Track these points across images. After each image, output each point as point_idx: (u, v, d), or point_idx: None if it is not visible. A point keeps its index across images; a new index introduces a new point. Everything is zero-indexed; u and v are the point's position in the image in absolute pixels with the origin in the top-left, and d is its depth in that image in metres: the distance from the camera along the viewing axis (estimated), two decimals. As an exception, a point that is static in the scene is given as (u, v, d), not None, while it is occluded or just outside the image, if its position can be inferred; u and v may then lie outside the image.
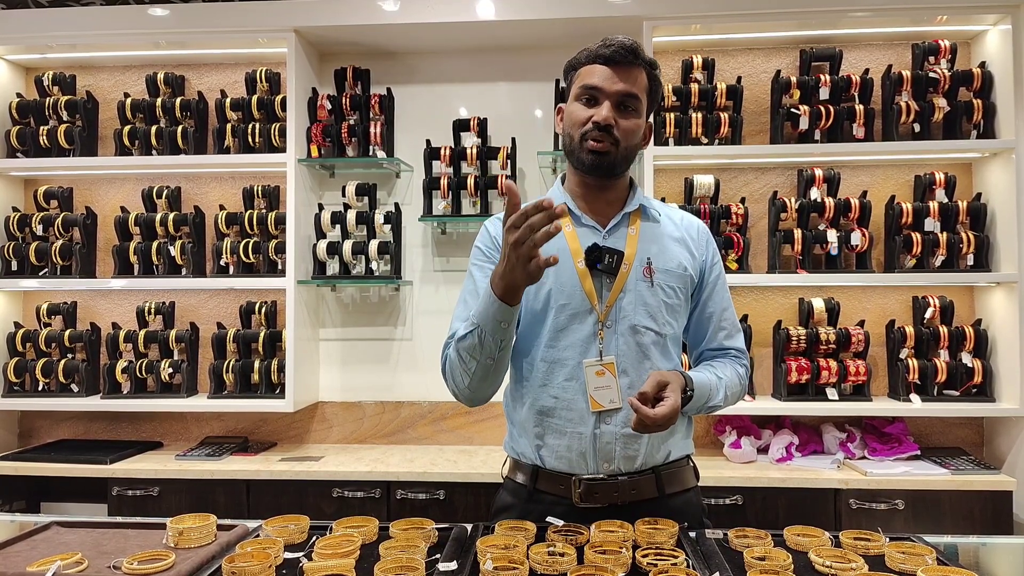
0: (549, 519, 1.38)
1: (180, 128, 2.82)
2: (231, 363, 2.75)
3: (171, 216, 2.83)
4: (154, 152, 2.84)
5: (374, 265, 2.76)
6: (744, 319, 2.77)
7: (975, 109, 2.68)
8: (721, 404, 1.48)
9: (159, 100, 2.86)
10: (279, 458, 2.66)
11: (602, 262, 1.42)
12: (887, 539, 1.25)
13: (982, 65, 2.72)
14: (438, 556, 1.23)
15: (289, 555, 1.24)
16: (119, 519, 1.48)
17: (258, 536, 1.33)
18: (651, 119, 1.52)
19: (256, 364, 2.75)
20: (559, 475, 1.43)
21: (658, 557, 1.20)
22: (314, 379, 2.93)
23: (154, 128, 2.84)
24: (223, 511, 2.50)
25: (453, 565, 1.17)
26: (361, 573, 1.14)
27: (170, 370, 2.79)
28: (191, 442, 2.90)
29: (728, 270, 2.72)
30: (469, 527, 1.40)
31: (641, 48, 1.41)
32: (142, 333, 2.83)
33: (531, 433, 1.46)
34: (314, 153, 2.78)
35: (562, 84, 1.54)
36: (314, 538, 1.27)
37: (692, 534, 1.35)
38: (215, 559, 1.23)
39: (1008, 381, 2.58)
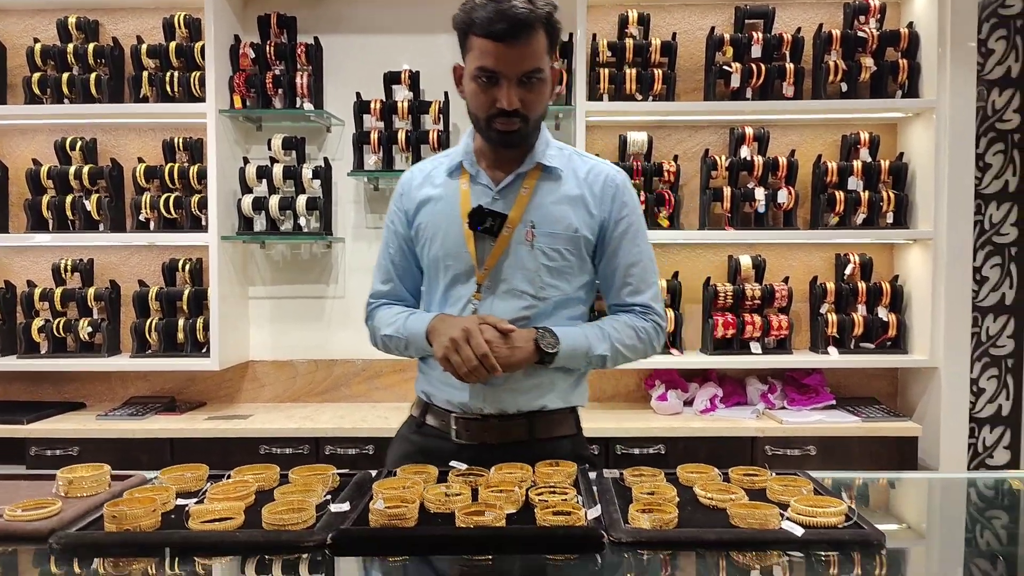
0: (452, 463, 1.39)
1: (94, 76, 2.69)
2: (154, 322, 2.69)
3: (86, 169, 2.72)
4: (66, 101, 2.71)
5: (302, 221, 2.71)
6: (675, 276, 2.81)
7: (901, 69, 2.73)
8: (608, 354, 1.46)
9: (71, 46, 2.72)
10: (206, 417, 2.63)
11: (483, 225, 1.43)
12: (772, 474, 1.29)
13: (910, 25, 2.76)
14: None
15: (181, 502, 1.22)
16: (10, 472, 1.44)
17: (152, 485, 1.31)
18: (559, 63, 1.50)
19: (180, 323, 2.69)
20: (442, 411, 1.52)
21: (551, 495, 1.22)
22: (244, 338, 2.88)
23: (66, 76, 2.70)
24: (145, 470, 2.47)
25: (345, 506, 1.17)
26: (250, 515, 1.13)
27: (89, 329, 2.70)
28: (115, 403, 2.84)
29: (659, 227, 2.74)
30: (374, 472, 1.40)
31: (535, 8, 1.31)
32: (59, 291, 2.73)
33: (423, 375, 1.57)
34: (237, 104, 2.69)
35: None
36: (208, 484, 1.26)
37: (592, 475, 1.38)
38: (103, 507, 1.21)
39: (920, 334, 2.69)
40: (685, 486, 1.29)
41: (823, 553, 1.05)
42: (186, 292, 2.71)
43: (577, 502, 1.17)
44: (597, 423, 2.58)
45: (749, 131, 2.79)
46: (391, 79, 2.78)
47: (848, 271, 2.79)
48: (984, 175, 2.89)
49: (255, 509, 1.17)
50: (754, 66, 2.74)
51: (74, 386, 2.90)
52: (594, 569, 1.04)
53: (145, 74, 2.70)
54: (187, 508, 1.12)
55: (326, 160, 2.79)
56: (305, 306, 2.93)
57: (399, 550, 1.06)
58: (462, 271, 1.46)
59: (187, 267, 2.75)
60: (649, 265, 1.54)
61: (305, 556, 1.04)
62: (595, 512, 1.14)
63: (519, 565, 1.05)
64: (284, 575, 1.02)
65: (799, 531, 1.06)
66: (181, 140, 2.75)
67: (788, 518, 1.11)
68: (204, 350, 2.69)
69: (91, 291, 2.73)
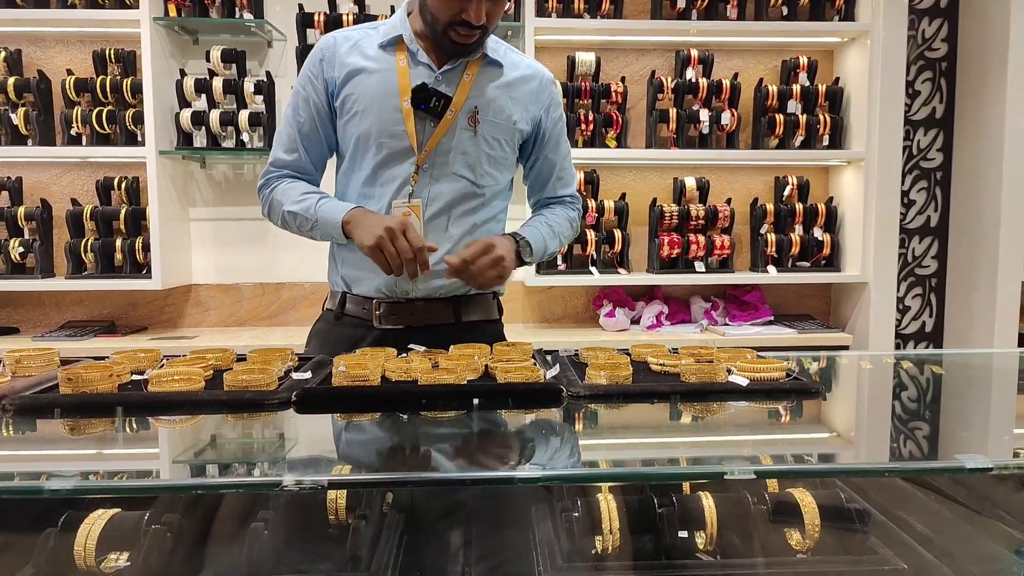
0: (411, 346, 1.41)
1: (13, -20, 2.52)
2: (90, 242, 2.58)
3: (11, 81, 2.56)
4: (-16, 7, 2.53)
5: (245, 137, 2.63)
6: (622, 197, 2.86)
7: (839, -7, 2.80)
8: (557, 249, 1.59)
9: (-15, -54, 2.53)
10: (149, 338, 2.57)
11: (427, 104, 1.39)
12: (717, 348, 1.36)
13: (847, -49, 2.82)
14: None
15: (137, 378, 1.21)
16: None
17: (105, 365, 1.28)
18: None
19: (118, 243, 2.60)
20: (363, 298, 1.49)
21: (509, 363, 1.26)
22: (185, 260, 2.81)
23: (-18, -20, 2.52)
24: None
25: (307, 374, 1.18)
26: (210, 385, 1.13)
27: (21, 249, 2.58)
28: (51, 328, 2.74)
29: (607, 147, 2.78)
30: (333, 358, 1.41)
31: None
32: (-15, 210, 2.60)
33: (340, 261, 1.51)
34: (172, 12, 2.57)
35: None
36: (164, 361, 1.25)
37: (548, 356, 1.42)
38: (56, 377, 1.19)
39: (852, 252, 2.83)
40: (638, 361, 1.35)
41: (766, 402, 1.12)
42: (123, 211, 2.61)
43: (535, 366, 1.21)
44: (546, 339, 2.64)
45: (694, 53, 2.83)
46: (335, -8, 2.69)
47: (786, 193, 2.90)
48: (913, 102, 3.02)
49: (214, 382, 1.17)
50: (700, -13, 2.76)
51: (5, 311, 2.78)
52: (554, 422, 1.08)
53: (70, -22, 2.54)
54: (145, 376, 1.11)
55: (268, 74, 2.70)
56: (250, 228, 2.87)
57: (364, 407, 1.08)
58: (398, 150, 1.42)
59: (123, 185, 2.64)
60: (571, 159, 1.65)
61: (269, 415, 1.05)
62: (553, 372, 1.18)
63: (482, 420, 1.09)
64: (248, 434, 1.03)
65: (744, 382, 1.13)
66: (112, 51, 2.61)
67: (734, 373, 1.18)
68: (144, 271, 2.61)
69: (21, 210, 2.60)
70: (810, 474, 0.89)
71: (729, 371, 1.19)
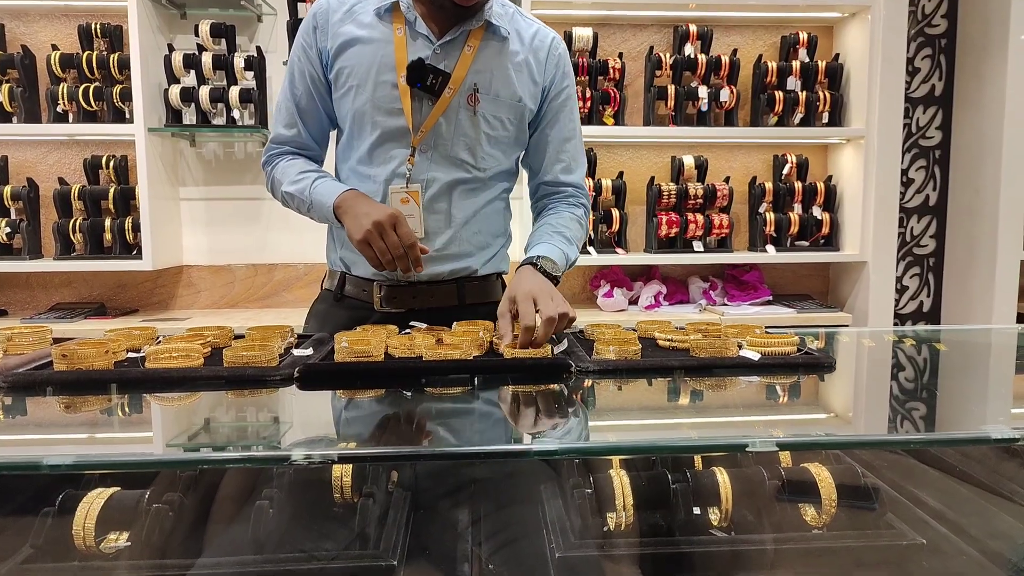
0: (412, 323, 1.38)
1: (-6, -49, 2.44)
2: (78, 222, 2.53)
3: (-7, 56, 2.49)
4: (-37, -21, 2.45)
5: (236, 114, 2.57)
6: (620, 176, 2.83)
7: (839, -31, 2.76)
8: (578, 256, 1.47)
9: (-36, -85, 2.45)
10: (140, 320, 2.52)
11: (424, 82, 1.31)
12: (723, 326, 1.34)
13: (848, -74, 2.78)
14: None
15: (133, 355, 1.17)
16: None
17: (99, 344, 1.25)
18: None
19: (107, 223, 2.54)
20: (362, 280, 1.43)
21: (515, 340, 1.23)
22: (176, 240, 2.75)
23: (-39, -50, 2.44)
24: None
25: (309, 351, 1.15)
26: (209, 363, 1.10)
27: (7, 230, 2.53)
28: (39, 310, 2.68)
29: (604, 125, 2.74)
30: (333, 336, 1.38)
31: None
32: (-31, 189, 2.53)
33: (338, 242, 1.45)
34: (159, -15, 2.50)
35: None
36: (161, 339, 1.21)
37: (554, 336, 1.40)
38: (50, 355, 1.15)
39: (851, 230, 2.81)
40: (645, 337, 1.32)
41: (779, 376, 1.10)
42: (112, 190, 2.55)
43: (542, 343, 1.18)
44: (545, 319, 2.62)
45: (693, 29, 2.79)
46: (327, -35, 2.63)
47: (785, 171, 2.88)
48: (913, 79, 3.00)
49: (213, 359, 1.14)
50: (699, -38, 2.72)
51: (-8, 294, 2.73)
52: (564, 396, 1.06)
53: (52, -52, 2.46)
54: (142, 353, 1.08)
55: (259, 50, 2.64)
56: (241, 208, 2.82)
57: (369, 383, 1.05)
58: (393, 129, 1.34)
59: (111, 164, 2.58)
60: (581, 143, 1.52)
61: (272, 392, 1.02)
62: (561, 347, 1.16)
63: (490, 396, 1.06)
64: (251, 410, 1.00)
65: (756, 356, 1.11)
66: (98, 26, 2.54)
67: (744, 348, 1.15)
68: (134, 252, 2.56)
69: (7, 189, 2.54)
70: (832, 445, 0.87)
71: (739, 346, 1.17)
